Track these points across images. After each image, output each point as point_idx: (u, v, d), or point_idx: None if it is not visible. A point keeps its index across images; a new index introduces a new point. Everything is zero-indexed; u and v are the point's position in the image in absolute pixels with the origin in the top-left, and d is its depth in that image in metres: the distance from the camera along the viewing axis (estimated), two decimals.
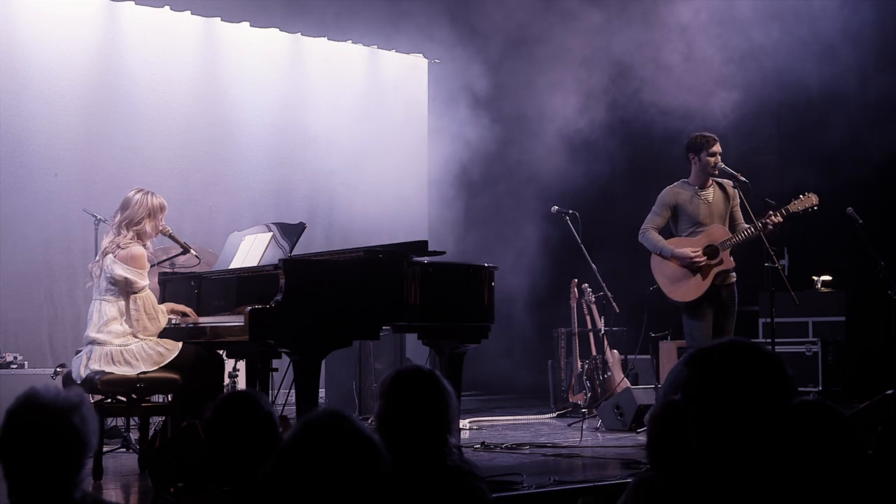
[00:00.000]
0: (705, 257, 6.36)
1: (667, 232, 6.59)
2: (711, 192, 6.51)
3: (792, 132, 10.22)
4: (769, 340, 6.76)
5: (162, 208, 5.60)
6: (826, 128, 9.73)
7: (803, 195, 6.48)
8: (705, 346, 2.47)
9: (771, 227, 6.34)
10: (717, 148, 6.49)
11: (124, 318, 5.40)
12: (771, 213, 6.38)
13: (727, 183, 6.59)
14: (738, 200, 6.57)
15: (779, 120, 10.37)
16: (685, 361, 2.44)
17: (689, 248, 6.37)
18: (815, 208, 6.46)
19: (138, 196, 5.54)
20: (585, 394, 8.80)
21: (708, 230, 6.45)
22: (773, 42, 9.67)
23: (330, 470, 2.05)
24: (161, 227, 5.63)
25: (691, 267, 6.36)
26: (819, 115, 9.68)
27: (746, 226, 6.46)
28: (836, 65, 9.58)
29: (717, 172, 6.50)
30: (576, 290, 9.22)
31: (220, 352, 5.84)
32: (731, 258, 6.41)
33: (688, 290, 6.38)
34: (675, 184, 6.58)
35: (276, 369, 5.98)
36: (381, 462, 2.10)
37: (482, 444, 6.62)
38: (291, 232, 5.57)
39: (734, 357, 2.38)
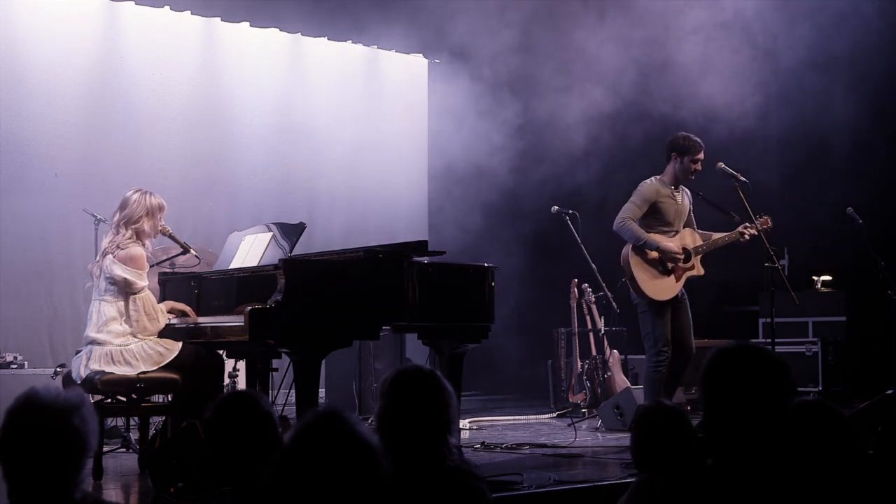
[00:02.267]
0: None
1: None
2: (680, 195, 6.54)
3: (792, 132, 10.21)
4: (769, 340, 6.75)
5: (161, 208, 5.59)
6: (826, 127, 9.74)
7: (760, 216, 6.52)
8: (724, 348, 2.52)
9: (747, 238, 6.46)
10: (701, 156, 6.47)
11: (124, 318, 5.40)
12: (746, 226, 6.45)
13: (686, 189, 6.61)
14: (692, 206, 6.64)
15: (780, 120, 10.37)
16: (706, 362, 2.51)
17: (673, 244, 6.39)
18: (769, 230, 6.56)
19: (136, 195, 5.55)
20: (585, 394, 8.80)
21: (681, 234, 6.49)
22: (774, 43, 9.67)
23: (326, 472, 2.05)
24: (161, 227, 5.63)
25: (672, 262, 6.36)
26: (819, 115, 9.68)
27: (708, 233, 6.55)
28: (837, 65, 9.59)
29: (692, 179, 6.51)
30: (576, 290, 9.22)
31: (220, 352, 5.84)
32: (701, 266, 6.46)
33: (664, 289, 6.38)
34: (655, 179, 6.53)
35: (276, 369, 5.98)
36: (377, 463, 2.10)
37: (482, 444, 6.62)
38: (291, 232, 5.57)
39: (749, 358, 2.48)
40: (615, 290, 8.22)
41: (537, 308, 10.75)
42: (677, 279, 6.40)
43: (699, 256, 6.46)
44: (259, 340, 5.03)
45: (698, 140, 6.51)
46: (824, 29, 9.43)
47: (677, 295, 6.45)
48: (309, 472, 2.06)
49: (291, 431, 2.15)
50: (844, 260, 9.58)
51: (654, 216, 6.46)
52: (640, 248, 6.38)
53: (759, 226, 6.50)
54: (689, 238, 6.50)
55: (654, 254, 6.37)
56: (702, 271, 6.48)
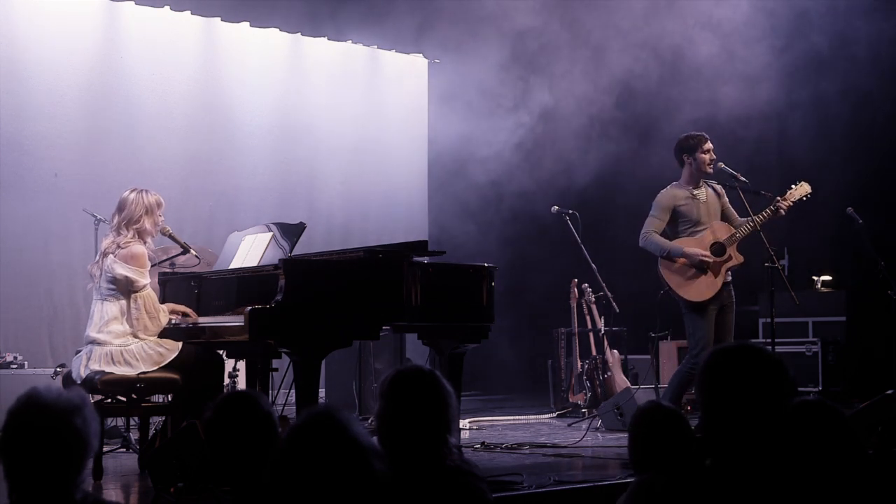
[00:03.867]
0: (713, 256, 6.38)
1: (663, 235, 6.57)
2: (704, 192, 6.53)
3: (792, 131, 10.22)
4: (769, 340, 6.75)
5: (159, 204, 5.60)
6: (826, 127, 9.74)
7: (795, 184, 6.51)
8: (722, 347, 2.55)
9: (783, 212, 6.38)
10: (709, 145, 6.50)
11: (125, 317, 5.40)
12: (778, 199, 6.41)
13: (714, 182, 6.61)
14: (727, 198, 6.60)
15: (779, 119, 10.37)
16: (704, 361, 2.51)
17: (697, 248, 6.38)
18: (809, 197, 6.50)
19: (133, 195, 5.55)
20: (585, 394, 8.80)
21: (710, 228, 6.46)
22: (775, 40, 9.67)
23: (318, 472, 2.06)
24: (161, 227, 5.63)
25: (701, 266, 6.35)
26: (819, 113, 9.68)
27: (745, 219, 6.50)
28: (837, 63, 9.59)
29: (712, 170, 6.50)
30: (576, 290, 9.22)
31: (220, 352, 5.84)
32: (739, 253, 6.44)
33: (702, 288, 6.36)
34: (670, 186, 6.57)
35: (276, 369, 5.97)
36: (369, 463, 2.10)
37: (482, 444, 6.62)
38: (291, 232, 5.57)
39: (745, 358, 2.48)
40: (623, 286, 8.19)
41: (537, 308, 10.74)
42: (716, 275, 6.38)
43: (734, 245, 6.44)
44: (259, 340, 5.03)
45: (701, 133, 6.56)
46: (827, 28, 9.43)
47: (723, 294, 6.42)
48: (302, 472, 2.06)
49: (286, 431, 2.16)
50: (844, 260, 9.58)
51: (680, 220, 6.48)
52: (667, 258, 6.40)
53: (796, 194, 6.46)
54: (721, 230, 6.48)
55: (683, 259, 6.38)
56: (741, 259, 6.43)
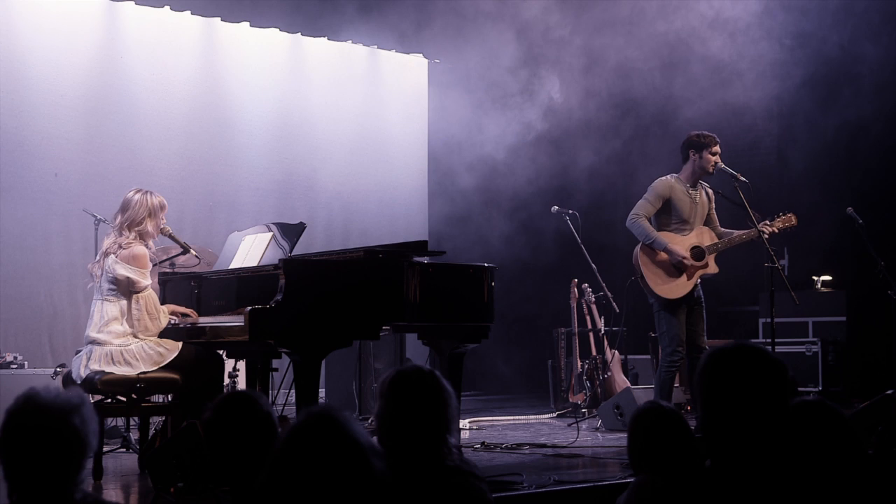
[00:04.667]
0: (692, 259, 6.41)
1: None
2: (699, 193, 6.55)
3: (792, 131, 10.22)
4: (769, 340, 6.75)
5: (162, 207, 5.60)
6: (826, 127, 9.73)
7: (783, 214, 6.54)
8: (722, 347, 2.54)
9: (766, 236, 6.43)
10: (717, 148, 6.52)
11: (125, 317, 5.40)
12: (767, 222, 6.45)
13: (708, 186, 6.62)
14: (714, 204, 6.65)
15: (779, 119, 10.37)
16: (703, 362, 2.51)
17: (680, 247, 6.40)
18: (793, 229, 6.57)
19: (138, 196, 5.54)
20: (585, 394, 8.80)
21: (696, 232, 6.49)
22: (782, 40, 9.68)
23: (317, 472, 2.06)
24: (162, 227, 5.63)
25: (680, 266, 6.37)
26: (818, 113, 9.68)
27: (729, 231, 6.54)
28: (836, 63, 9.58)
29: (714, 172, 6.52)
30: (576, 290, 9.22)
31: (220, 352, 5.84)
32: (715, 264, 6.46)
33: (674, 287, 6.40)
34: (670, 176, 6.57)
35: (276, 369, 5.98)
36: (369, 463, 2.10)
37: (482, 444, 6.62)
38: (291, 232, 5.57)
39: (745, 358, 2.47)
40: (624, 287, 8.20)
41: (537, 308, 10.74)
42: (689, 277, 6.40)
43: (713, 255, 6.46)
44: (259, 340, 5.03)
45: (713, 134, 6.58)
46: (827, 29, 9.43)
47: (693, 294, 6.44)
48: (300, 473, 2.06)
49: (284, 432, 2.15)
50: (844, 260, 9.58)
51: (669, 213, 6.49)
52: (650, 247, 6.41)
53: (781, 223, 6.51)
54: (705, 236, 6.50)
55: (663, 254, 6.39)
56: (716, 269, 6.47)
